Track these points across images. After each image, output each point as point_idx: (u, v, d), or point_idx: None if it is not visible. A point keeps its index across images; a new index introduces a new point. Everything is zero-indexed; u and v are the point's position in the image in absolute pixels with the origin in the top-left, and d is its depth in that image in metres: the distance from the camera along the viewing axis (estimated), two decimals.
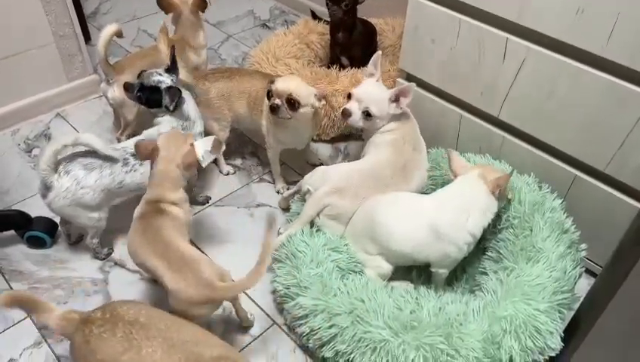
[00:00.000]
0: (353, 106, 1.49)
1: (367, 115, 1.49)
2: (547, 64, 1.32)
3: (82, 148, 1.41)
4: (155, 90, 1.46)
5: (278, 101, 1.51)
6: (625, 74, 1.21)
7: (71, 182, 1.37)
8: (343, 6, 1.90)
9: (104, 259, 1.57)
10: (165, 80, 1.48)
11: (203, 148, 1.30)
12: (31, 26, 1.89)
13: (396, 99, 1.48)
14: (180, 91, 1.50)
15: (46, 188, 1.38)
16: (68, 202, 1.39)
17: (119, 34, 1.66)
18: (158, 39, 1.67)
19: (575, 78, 1.29)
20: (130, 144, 1.45)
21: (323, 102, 1.56)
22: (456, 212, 1.32)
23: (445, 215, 1.32)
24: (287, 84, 1.51)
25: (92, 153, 1.40)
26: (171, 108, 1.47)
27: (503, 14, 1.35)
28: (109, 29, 1.63)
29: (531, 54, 1.34)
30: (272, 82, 1.54)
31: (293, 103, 1.51)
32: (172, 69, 1.51)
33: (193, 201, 1.72)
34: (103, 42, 1.63)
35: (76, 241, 1.60)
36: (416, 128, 1.55)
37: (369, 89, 1.50)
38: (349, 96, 1.51)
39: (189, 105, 1.55)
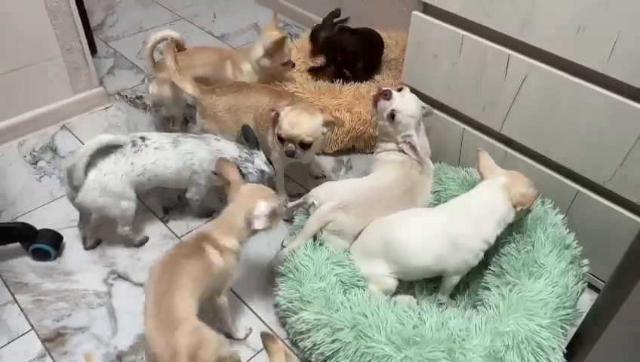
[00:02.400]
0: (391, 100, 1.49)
1: (391, 116, 1.48)
2: (549, 80, 1.33)
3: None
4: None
5: (292, 147, 1.54)
6: (626, 91, 1.22)
7: (95, 174, 1.44)
8: (326, 33, 1.96)
9: (139, 245, 1.63)
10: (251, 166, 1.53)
11: (264, 211, 1.24)
12: (38, 39, 1.92)
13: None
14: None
15: (75, 191, 1.45)
16: (98, 193, 1.45)
17: (176, 43, 1.77)
18: (165, 55, 1.69)
19: (577, 94, 1.30)
20: (152, 136, 1.54)
21: (331, 127, 1.59)
22: (472, 220, 1.32)
23: (461, 224, 1.33)
24: (297, 129, 1.52)
25: (110, 148, 1.46)
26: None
27: (505, 31, 1.36)
28: (165, 33, 1.72)
29: (533, 70, 1.35)
30: (280, 127, 1.54)
31: (305, 145, 1.54)
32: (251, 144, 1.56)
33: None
34: (153, 42, 1.78)
35: (92, 246, 1.62)
36: (425, 149, 1.54)
37: (408, 96, 1.51)
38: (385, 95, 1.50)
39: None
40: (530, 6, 1.28)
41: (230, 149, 1.55)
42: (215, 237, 1.26)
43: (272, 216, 1.26)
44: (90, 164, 1.43)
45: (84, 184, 1.43)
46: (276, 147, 1.67)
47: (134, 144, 1.51)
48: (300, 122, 1.53)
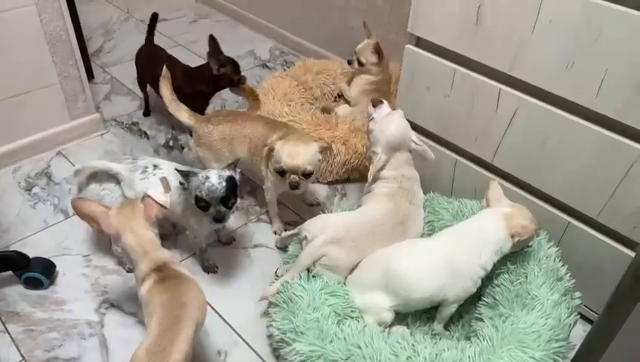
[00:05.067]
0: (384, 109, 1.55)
1: (368, 121, 1.56)
2: (539, 114, 1.36)
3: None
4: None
5: (296, 178, 1.55)
6: (614, 126, 1.24)
7: (95, 185, 1.56)
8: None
9: (130, 271, 1.60)
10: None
11: (157, 193, 1.28)
12: (37, 67, 1.94)
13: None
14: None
15: (78, 192, 1.60)
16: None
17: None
18: (160, 85, 1.70)
19: (566, 128, 1.32)
20: (164, 166, 1.56)
21: (326, 153, 1.62)
22: (472, 247, 1.33)
23: (462, 251, 1.34)
24: (297, 160, 1.53)
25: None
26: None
27: (496, 66, 1.39)
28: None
29: (523, 104, 1.38)
30: (279, 160, 1.54)
31: (308, 175, 1.56)
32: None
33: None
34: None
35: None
36: (414, 181, 1.56)
37: (393, 117, 1.53)
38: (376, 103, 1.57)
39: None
40: (519, 43, 1.31)
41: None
42: (163, 257, 1.25)
43: (165, 188, 1.29)
44: (96, 176, 1.55)
45: (84, 191, 1.55)
46: (270, 177, 1.68)
47: (144, 171, 1.53)
48: (299, 152, 1.54)
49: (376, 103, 1.56)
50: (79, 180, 1.58)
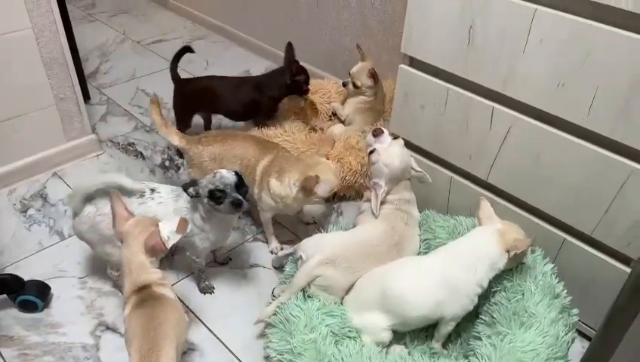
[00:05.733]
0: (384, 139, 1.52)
1: (370, 153, 1.52)
2: (532, 132, 1.38)
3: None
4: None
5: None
6: (606, 143, 1.26)
7: (91, 209, 1.48)
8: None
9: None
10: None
11: (168, 228, 1.26)
12: (33, 89, 1.95)
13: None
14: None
15: (74, 214, 1.51)
16: (87, 227, 1.49)
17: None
18: (150, 110, 1.70)
19: (559, 146, 1.34)
20: (162, 190, 1.53)
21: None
22: (467, 264, 1.34)
23: (457, 268, 1.34)
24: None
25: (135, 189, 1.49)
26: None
27: (489, 85, 1.41)
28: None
29: (517, 123, 1.40)
30: (314, 194, 1.55)
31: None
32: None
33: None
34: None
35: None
36: (411, 203, 1.56)
37: (394, 147, 1.51)
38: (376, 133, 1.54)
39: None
40: (510, 64, 1.34)
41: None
42: (149, 280, 1.25)
43: (180, 228, 1.26)
44: (93, 198, 1.47)
45: (80, 214, 1.49)
46: (264, 198, 1.68)
47: (142, 195, 1.51)
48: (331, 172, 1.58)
49: (377, 133, 1.52)
50: (75, 203, 1.48)
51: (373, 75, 2.10)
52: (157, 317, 1.20)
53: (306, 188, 1.51)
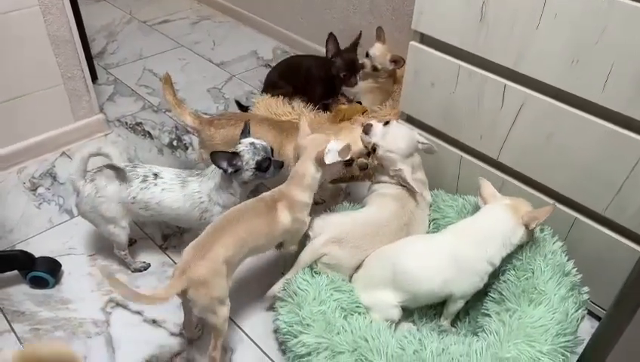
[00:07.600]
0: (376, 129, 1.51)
1: (373, 150, 1.51)
2: (545, 110, 1.36)
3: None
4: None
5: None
6: (621, 120, 1.24)
7: (92, 190, 1.48)
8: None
9: (135, 271, 1.64)
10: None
11: (334, 146, 1.36)
12: (41, 67, 1.94)
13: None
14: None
15: (77, 193, 1.50)
16: (89, 208, 1.50)
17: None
18: (163, 90, 1.69)
19: (572, 123, 1.32)
20: (165, 175, 1.52)
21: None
22: (477, 242, 1.34)
23: (467, 246, 1.34)
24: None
25: (119, 174, 1.49)
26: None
27: (501, 62, 1.39)
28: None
29: (529, 100, 1.38)
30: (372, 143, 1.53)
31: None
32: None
33: None
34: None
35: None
36: (424, 183, 1.55)
37: (392, 131, 1.50)
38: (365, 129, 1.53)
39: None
40: (524, 39, 1.31)
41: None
42: (291, 194, 1.38)
43: (343, 151, 1.35)
44: (92, 178, 1.48)
45: (80, 193, 1.49)
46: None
47: (145, 180, 1.49)
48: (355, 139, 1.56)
49: (367, 129, 1.51)
50: (73, 179, 1.47)
51: (397, 61, 2.14)
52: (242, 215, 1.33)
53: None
